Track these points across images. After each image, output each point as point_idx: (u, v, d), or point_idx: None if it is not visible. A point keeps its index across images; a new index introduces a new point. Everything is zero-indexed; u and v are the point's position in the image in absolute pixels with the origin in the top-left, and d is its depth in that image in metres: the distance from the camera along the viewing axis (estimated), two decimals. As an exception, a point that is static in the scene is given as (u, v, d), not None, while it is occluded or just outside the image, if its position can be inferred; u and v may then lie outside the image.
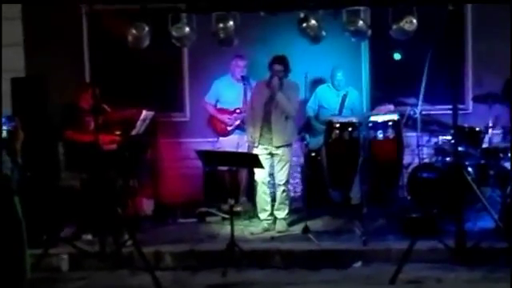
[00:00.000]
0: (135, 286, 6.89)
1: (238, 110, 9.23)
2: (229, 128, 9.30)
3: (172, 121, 10.12)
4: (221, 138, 9.39)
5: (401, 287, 6.58)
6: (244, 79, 9.06)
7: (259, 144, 8.26)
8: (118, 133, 8.84)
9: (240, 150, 8.94)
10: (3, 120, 7.39)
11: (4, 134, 6.84)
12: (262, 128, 8.24)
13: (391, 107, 8.73)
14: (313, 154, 9.15)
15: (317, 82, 9.53)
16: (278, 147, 8.23)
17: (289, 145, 8.34)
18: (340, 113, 9.11)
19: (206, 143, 9.43)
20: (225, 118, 9.32)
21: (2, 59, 6.02)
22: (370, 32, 8.13)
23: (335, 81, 9.26)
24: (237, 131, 9.27)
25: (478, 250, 6.90)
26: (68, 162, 8.57)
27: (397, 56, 9.69)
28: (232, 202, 7.73)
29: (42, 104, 8.20)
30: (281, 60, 8.26)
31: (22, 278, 5.03)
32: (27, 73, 9.56)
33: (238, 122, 9.25)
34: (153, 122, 9.21)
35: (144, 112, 8.91)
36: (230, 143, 9.20)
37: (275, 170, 8.40)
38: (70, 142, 8.45)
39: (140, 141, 9.08)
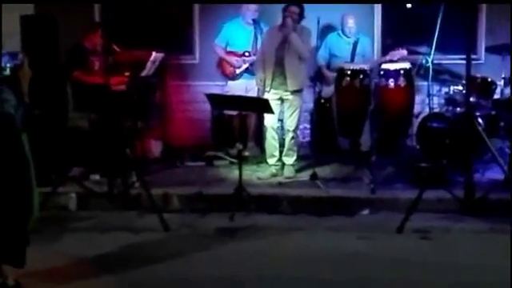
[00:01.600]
0: (142, 228, 6.89)
1: (246, 53, 9.17)
2: (237, 71, 9.23)
3: (181, 63, 10.07)
4: (229, 82, 9.32)
5: (408, 236, 6.57)
6: (255, 23, 8.99)
7: (271, 89, 8.20)
8: (127, 74, 8.78)
9: (249, 95, 8.88)
10: (7, 58, 7.33)
11: (7, 71, 6.78)
12: (273, 73, 8.16)
13: (404, 52, 8.64)
14: (322, 101, 9.09)
15: (327, 29, 9.41)
16: (291, 92, 8.17)
17: (300, 90, 8.29)
18: (352, 60, 9.04)
19: (215, 87, 9.38)
20: (233, 60, 9.24)
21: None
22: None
23: (346, 28, 9.17)
24: (245, 75, 9.21)
25: (487, 201, 6.90)
26: (76, 103, 8.55)
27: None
28: (240, 146, 7.72)
29: (51, 43, 8.13)
30: (296, 4, 8.17)
31: (29, 215, 5.03)
32: (36, 11, 9.46)
33: (246, 65, 9.18)
34: (162, 64, 9.15)
35: (154, 53, 8.85)
36: (238, 87, 9.12)
37: (285, 115, 8.36)
38: (78, 83, 8.42)
39: (149, 82, 9.05)
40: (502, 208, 6.98)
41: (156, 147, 9.30)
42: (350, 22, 9.12)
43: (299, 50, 8.11)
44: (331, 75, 9.03)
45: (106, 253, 6.18)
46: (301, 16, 8.18)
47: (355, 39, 9.19)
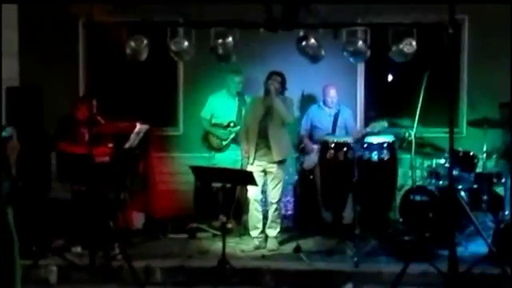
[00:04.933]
0: (124, 301, 6.82)
1: (232, 124, 9.19)
2: (224, 142, 9.26)
3: (165, 135, 10.10)
4: (217, 154, 9.34)
5: (392, 310, 6.54)
6: (239, 95, 9.09)
7: (254, 160, 8.24)
8: (110, 145, 8.76)
9: (237, 167, 8.88)
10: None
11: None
12: (257, 144, 8.22)
13: (385, 124, 8.69)
14: (306, 173, 9.12)
15: (309, 100, 9.51)
16: (276, 162, 8.21)
17: (284, 161, 8.33)
18: (333, 131, 9.10)
19: (199, 158, 9.37)
20: (219, 132, 9.28)
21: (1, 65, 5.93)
22: (369, 53, 8.11)
23: (328, 98, 9.25)
24: (233, 146, 9.22)
25: (471, 275, 6.88)
26: (60, 173, 8.51)
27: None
28: (224, 218, 7.68)
29: (37, 114, 8.16)
30: (278, 73, 8.33)
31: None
32: (21, 82, 9.51)
33: (232, 136, 9.20)
34: (146, 136, 9.15)
35: (138, 125, 8.86)
36: (226, 159, 9.15)
37: (268, 187, 8.37)
38: (63, 154, 8.40)
39: (132, 154, 9.01)
40: (485, 282, 6.97)
41: (138, 219, 9.23)
42: (332, 93, 9.21)
43: (282, 114, 8.17)
44: (312, 146, 9.11)
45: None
46: (283, 84, 8.29)
47: (336, 111, 9.26)
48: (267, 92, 8.24)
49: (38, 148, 8.04)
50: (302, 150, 9.11)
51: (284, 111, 8.19)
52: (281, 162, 8.29)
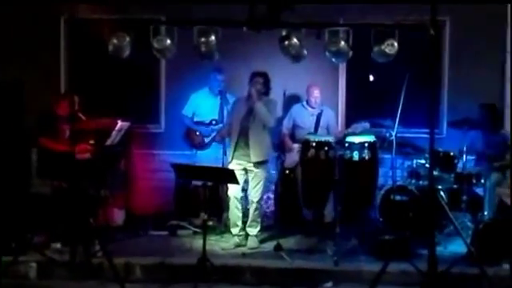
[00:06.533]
0: (104, 297, 6.81)
1: (214, 122, 9.21)
2: (206, 140, 9.28)
3: (146, 132, 10.11)
4: (198, 152, 9.35)
5: (371, 309, 6.57)
6: (221, 93, 9.09)
7: (233, 159, 8.26)
8: (91, 142, 8.73)
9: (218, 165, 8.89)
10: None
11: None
12: (237, 143, 8.25)
13: (367, 125, 8.72)
14: (287, 172, 9.14)
15: (293, 99, 9.53)
16: (255, 163, 8.23)
17: (264, 162, 8.34)
18: (315, 131, 9.12)
19: (181, 156, 9.38)
20: (201, 129, 9.30)
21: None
22: (351, 53, 8.13)
23: (311, 98, 9.26)
24: (215, 144, 9.24)
25: (450, 274, 6.92)
26: (40, 169, 8.48)
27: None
28: (205, 216, 7.67)
29: (18, 110, 8.11)
30: (261, 74, 8.35)
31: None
32: (2, 78, 9.46)
33: (214, 134, 9.22)
34: (127, 133, 9.14)
35: (120, 122, 8.84)
36: (207, 157, 9.15)
37: (249, 186, 8.39)
38: (44, 150, 8.37)
39: (114, 151, 9.00)
40: (464, 282, 7.03)
41: (119, 216, 9.21)
42: (316, 93, 9.22)
43: (264, 119, 8.21)
44: (291, 144, 9.15)
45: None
46: (266, 85, 8.31)
47: (319, 111, 9.28)
48: (249, 93, 8.27)
49: (18, 144, 8.00)
50: (281, 149, 9.13)
51: (265, 115, 8.21)
52: (261, 163, 8.31)
